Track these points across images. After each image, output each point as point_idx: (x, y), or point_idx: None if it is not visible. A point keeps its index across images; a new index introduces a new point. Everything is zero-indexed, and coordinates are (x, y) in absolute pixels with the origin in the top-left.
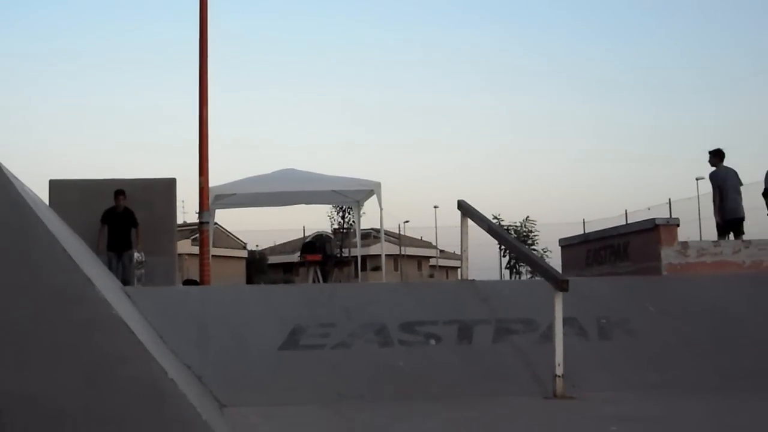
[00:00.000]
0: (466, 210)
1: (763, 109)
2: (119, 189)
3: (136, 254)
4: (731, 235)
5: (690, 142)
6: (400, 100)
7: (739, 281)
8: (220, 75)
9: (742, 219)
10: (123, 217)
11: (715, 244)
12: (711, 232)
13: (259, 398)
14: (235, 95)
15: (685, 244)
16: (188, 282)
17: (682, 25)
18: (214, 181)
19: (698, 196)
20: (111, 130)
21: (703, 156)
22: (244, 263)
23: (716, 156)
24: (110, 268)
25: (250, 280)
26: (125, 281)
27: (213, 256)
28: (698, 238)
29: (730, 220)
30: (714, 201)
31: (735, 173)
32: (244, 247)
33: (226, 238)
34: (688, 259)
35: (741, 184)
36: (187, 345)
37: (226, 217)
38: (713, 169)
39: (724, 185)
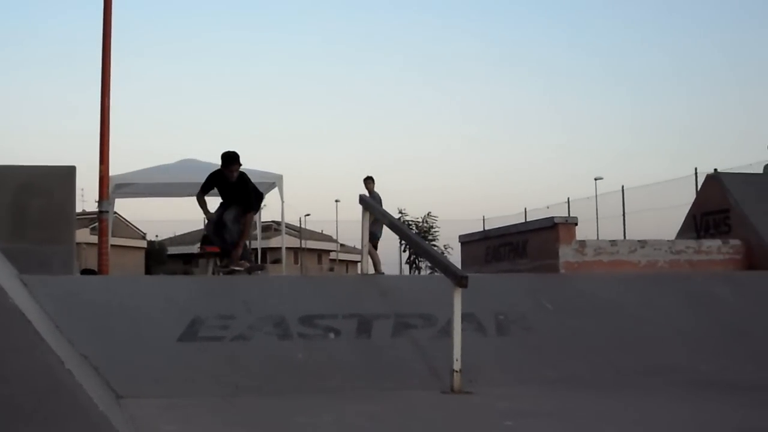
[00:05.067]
0: (367, 204)
1: (658, 108)
2: (232, 154)
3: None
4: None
5: (589, 142)
6: (304, 91)
7: (634, 280)
8: (123, 62)
9: (378, 237)
10: (237, 190)
11: (612, 243)
12: (608, 231)
13: (157, 389)
14: (138, 83)
15: (582, 243)
16: (86, 271)
17: (572, 18)
18: (115, 170)
19: (596, 195)
20: (12, 119)
21: (604, 155)
22: (143, 253)
23: (369, 180)
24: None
25: (149, 271)
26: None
27: (112, 245)
28: (596, 237)
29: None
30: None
31: (380, 198)
32: (144, 237)
33: (126, 227)
34: (586, 258)
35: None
36: (85, 335)
37: (126, 207)
38: (365, 192)
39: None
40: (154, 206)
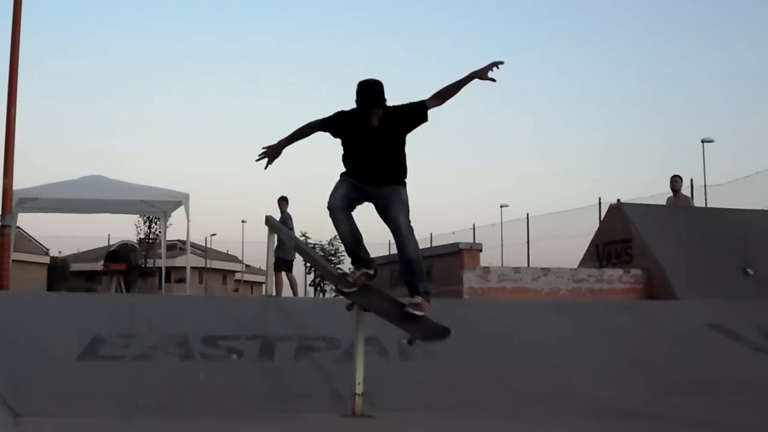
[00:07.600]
0: (273, 226)
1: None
2: (372, 88)
3: None
4: (283, 274)
5: (497, 169)
6: (210, 107)
7: (536, 307)
8: (31, 75)
9: (292, 260)
10: (385, 135)
11: (516, 270)
12: (513, 258)
13: (56, 408)
14: (46, 96)
15: (486, 269)
16: None
17: (481, 40)
18: (19, 183)
19: (502, 222)
20: None
21: (510, 182)
22: (45, 269)
23: (283, 201)
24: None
25: (51, 287)
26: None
27: (13, 260)
28: (500, 264)
29: (281, 258)
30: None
31: (291, 218)
32: (47, 253)
33: (28, 242)
34: (489, 284)
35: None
36: None
37: (28, 221)
38: (278, 212)
39: (284, 227)
40: (58, 221)
